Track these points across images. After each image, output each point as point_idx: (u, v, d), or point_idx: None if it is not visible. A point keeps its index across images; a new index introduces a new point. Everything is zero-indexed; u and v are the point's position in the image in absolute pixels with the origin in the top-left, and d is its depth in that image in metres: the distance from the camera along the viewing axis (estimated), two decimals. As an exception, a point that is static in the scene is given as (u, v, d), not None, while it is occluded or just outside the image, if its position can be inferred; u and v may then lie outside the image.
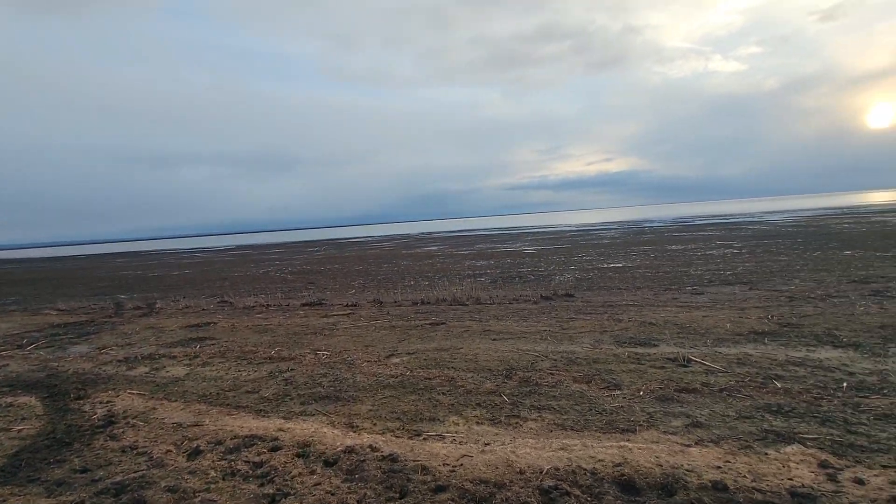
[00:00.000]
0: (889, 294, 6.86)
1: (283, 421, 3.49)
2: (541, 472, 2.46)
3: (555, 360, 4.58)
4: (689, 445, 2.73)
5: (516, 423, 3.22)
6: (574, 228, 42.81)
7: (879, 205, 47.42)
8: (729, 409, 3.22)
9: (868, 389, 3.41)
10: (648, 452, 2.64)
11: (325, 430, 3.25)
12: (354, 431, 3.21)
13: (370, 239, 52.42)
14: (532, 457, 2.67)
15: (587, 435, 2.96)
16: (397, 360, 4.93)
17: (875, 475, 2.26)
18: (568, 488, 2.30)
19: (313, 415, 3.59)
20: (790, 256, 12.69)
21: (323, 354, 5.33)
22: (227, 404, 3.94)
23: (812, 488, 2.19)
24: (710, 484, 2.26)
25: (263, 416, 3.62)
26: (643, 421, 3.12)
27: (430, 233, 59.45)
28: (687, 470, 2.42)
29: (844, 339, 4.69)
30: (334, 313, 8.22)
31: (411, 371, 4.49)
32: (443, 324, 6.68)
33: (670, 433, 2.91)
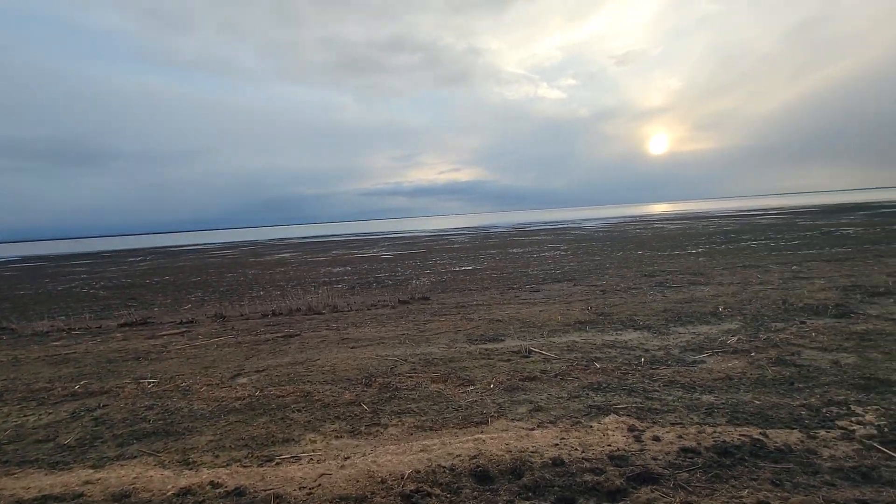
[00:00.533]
0: (668, 285, 8.70)
1: (91, 471, 2.85)
2: (402, 478, 2.47)
3: (413, 363, 4.67)
4: (532, 429, 3.04)
5: (377, 431, 3.18)
6: (428, 233, 44.56)
7: (658, 214, 59.99)
8: (562, 391, 3.69)
9: (658, 362, 4.26)
10: (499, 441, 2.86)
11: (152, 472, 2.76)
12: (191, 469, 2.79)
13: (211, 246, 46.63)
14: (393, 463, 2.66)
15: (445, 433, 3.08)
16: (244, 380, 4.46)
17: (667, 432, 2.83)
18: (429, 489, 2.35)
19: (135, 457, 3.01)
20: (601, 256, 15.19)
21: (148, 383, 4.53)
22: (6, 462, 3.07)
23: (624, 450, 2.63)
24: (550, 461, 2.55)
25: (63, 470, 2.91)
26: (494, 412, 3.37)
27: (281, 239, 55.55)
28: (532, 451, 2.68)
29: (641, 323, 5.78)
30: (164, 333, 7.08)
31: (261, 390, 4.11)
32: (297, 335, 6.28)
33: (517, 420, 3.20)
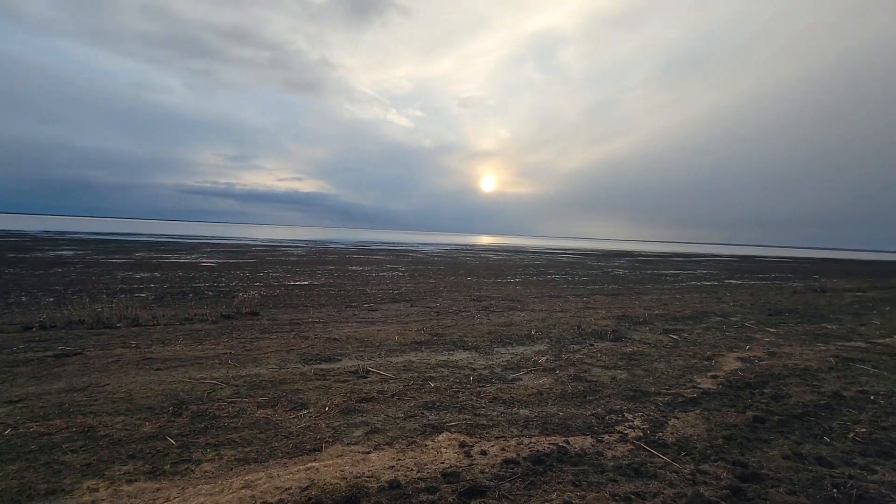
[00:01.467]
0: (492, 309, 9.66)
1: None
2: (219, 521, 2.15)
3: (237, 385, 4.17)
4: (369, 452, 2.98)
5: (187, 469, 2.71)
6: (261, 243, 40.93)
7: (485, 245, 66.82)
8: (399, 411, 3.73)
9: (484, 380, 4.65)
10: (334, 468, 2.73)
11: None
12: None
13: (-65, 231, 34.29)
14: (208, 505, 2.30)
15: (273, 464, 2.80)
16: (-14, 416, 3.35)
17: (492, 445, 3.09)
18: (252, 530, 2.09)
19: None
20: (436, 280, 16.08)
21: None
22: None
23: (456, 466, 2.78)
24: (387, 485, 2.53)
25: None
26: (329, 437, 3.21)
27: (63, 232, 44.14)
28: (368, 476, 2.63)
29: (470, 344, 6.26)
30: None
31: (15, 428, 3.13)
32: (77, 353, 5.02)
33: (353, 444, 3.11)
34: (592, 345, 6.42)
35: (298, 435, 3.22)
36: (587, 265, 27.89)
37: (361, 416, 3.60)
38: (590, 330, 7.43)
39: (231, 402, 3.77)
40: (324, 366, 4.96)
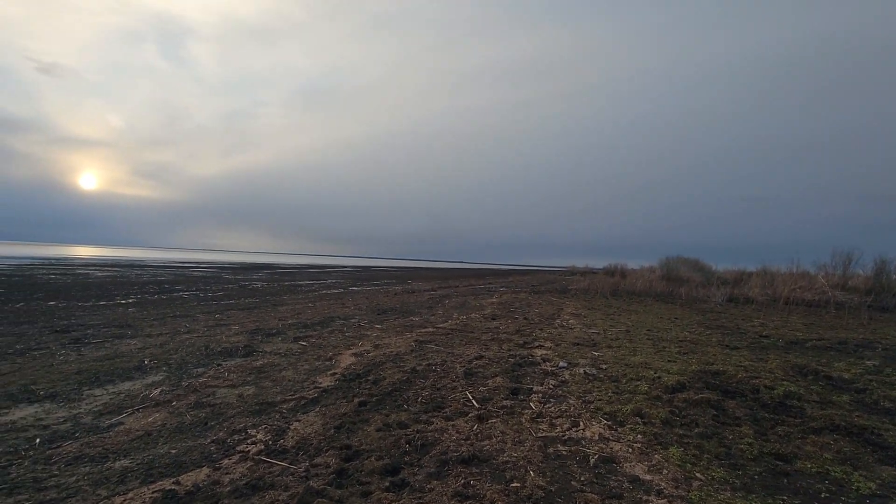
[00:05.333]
0: (86, 341, 7.51)
1: None
2: None
3: None
4: None
5: None
6: None
7: (85, 258, 51.50)
8: None
9: (62, 438, 3.53)
10: None
11: None
12: None
13: None
14: None
15: None
16: None
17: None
18: None
19: None
20: (-12, 309, 11.09)
21: None
22: None
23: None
24: None
25: None
26: None
27: None
28: None
29: (42, 393, 4.63)
30: None
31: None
32: None
33: None
34: (220, 364, 6.01)
35: None
36: (223, 279, 26.03)
37: None
38: (219, 349, 6.93)
39: None
40: None
